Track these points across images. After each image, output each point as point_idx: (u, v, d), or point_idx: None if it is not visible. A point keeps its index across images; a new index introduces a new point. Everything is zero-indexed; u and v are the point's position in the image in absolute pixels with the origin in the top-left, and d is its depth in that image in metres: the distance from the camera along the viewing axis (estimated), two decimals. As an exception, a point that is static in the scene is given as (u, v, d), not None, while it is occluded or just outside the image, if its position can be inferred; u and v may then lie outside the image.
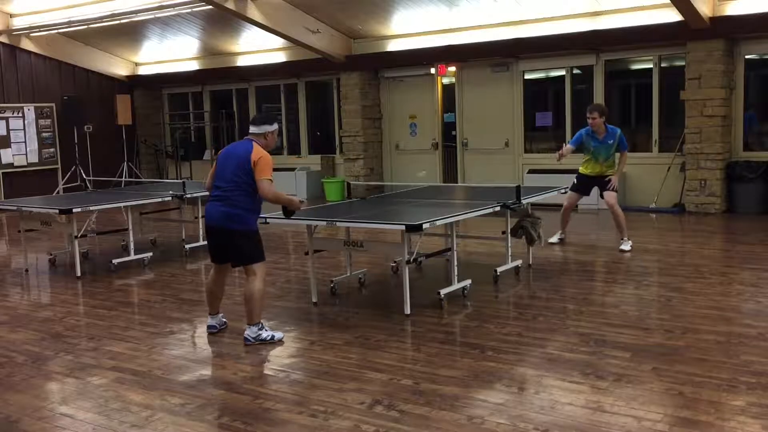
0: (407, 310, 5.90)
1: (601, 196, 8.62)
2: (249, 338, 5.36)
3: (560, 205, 8.87)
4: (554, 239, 8.89)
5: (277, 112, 16.32)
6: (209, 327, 5.70)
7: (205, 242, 9.20)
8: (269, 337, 5.38)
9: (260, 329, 5.38)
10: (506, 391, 4.30)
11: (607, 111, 8.63)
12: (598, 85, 12.18)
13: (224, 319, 5.80)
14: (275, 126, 5.50)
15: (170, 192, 8.93)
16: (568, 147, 8.43)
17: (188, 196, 8.92)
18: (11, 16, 14.92)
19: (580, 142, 8.44)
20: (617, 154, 8.62)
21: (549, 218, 8.45)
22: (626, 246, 8.40)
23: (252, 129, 5.46)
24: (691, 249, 8.60)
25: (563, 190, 8.21)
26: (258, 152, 5.27)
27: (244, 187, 5.27)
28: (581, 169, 8.66)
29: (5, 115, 15.10)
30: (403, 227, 5.64)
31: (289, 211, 5.77)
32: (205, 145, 17.18)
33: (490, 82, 13.21)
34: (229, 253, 5.43)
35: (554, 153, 8.62)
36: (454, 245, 6.49)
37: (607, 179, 8.48)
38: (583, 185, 8.68)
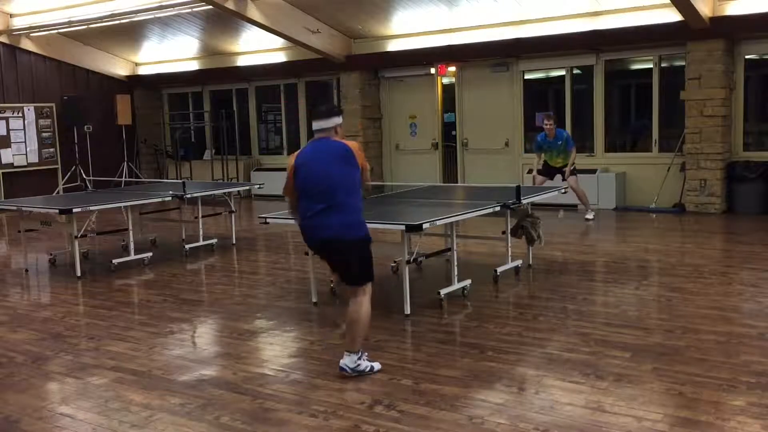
0: (407, 310, 5.90)
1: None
2: (346, 368, 4.57)
3: (560, 206, 8.94)
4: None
5: (277, 112, 16.35)
6: None
7: (205, 242, 9.43)
8: (368, 368, 4.60)
9: (359, 358, 4.61)
10: (506, 391, 4.29)
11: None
12: (598, 85, 12.17)
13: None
14: (342, 117, 4.82)
15: (170, 192, 8.94)
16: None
17: (188, 196, 8.92)
18: (11, 16, 14.90)
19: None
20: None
21: (549, 218, 8.44)
22: (590, 215, 10.58)
23: (320, 125, 4.67)
24: (691, 249, 8.59)
25: (563, 190, 8.29)
26: (349, 143, 4.68)
27: (356, 187, 4.64)
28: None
29: (5, 115, 15.08)
30: (403, 227, 5.64)
31: None
32: (205, 145, 17.17)
33: (490, 82, 13.20)
34: (342, 267, 4.69)
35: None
36: (454, 245, 6.49)
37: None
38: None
